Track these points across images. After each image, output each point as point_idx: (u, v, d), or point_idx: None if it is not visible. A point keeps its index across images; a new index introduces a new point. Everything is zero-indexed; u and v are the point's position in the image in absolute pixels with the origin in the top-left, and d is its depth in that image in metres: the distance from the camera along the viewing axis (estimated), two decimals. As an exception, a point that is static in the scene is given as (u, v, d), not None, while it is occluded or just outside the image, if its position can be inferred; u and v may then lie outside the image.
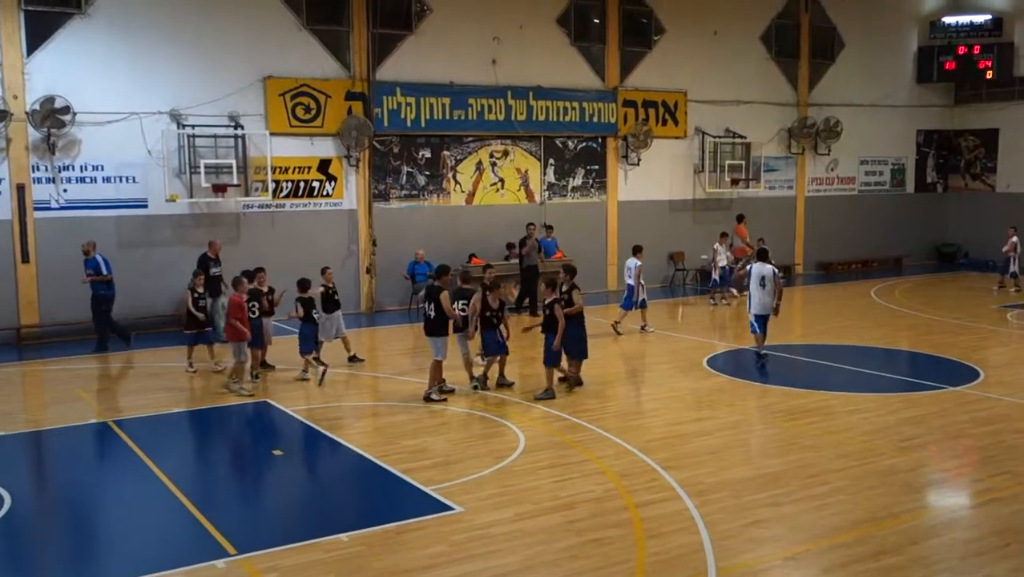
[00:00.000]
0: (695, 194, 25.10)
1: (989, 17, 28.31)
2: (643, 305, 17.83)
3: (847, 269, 27.77)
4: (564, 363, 13.19)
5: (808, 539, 7.77)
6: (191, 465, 10.38)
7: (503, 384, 13.39)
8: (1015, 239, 22.88)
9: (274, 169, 19.22)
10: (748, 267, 15.82)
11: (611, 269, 23.79)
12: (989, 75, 28.26)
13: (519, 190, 22.47)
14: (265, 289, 14.21)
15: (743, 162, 25.33)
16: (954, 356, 15.44)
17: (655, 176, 24.31)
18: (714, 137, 24.97)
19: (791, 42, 26.46)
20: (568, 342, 12.91)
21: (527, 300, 20.36)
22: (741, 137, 25.38)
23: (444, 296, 12.58)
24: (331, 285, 14.89)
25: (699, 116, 24.81)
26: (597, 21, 23.12)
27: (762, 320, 15.25)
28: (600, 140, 23.47)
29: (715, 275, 21.54)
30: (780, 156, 26.72)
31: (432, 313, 12.57)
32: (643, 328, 17.86)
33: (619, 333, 17.55)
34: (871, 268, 28.16)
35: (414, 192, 21.18)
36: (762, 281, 15.11)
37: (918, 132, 29.59)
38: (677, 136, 24.54)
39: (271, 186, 19.16)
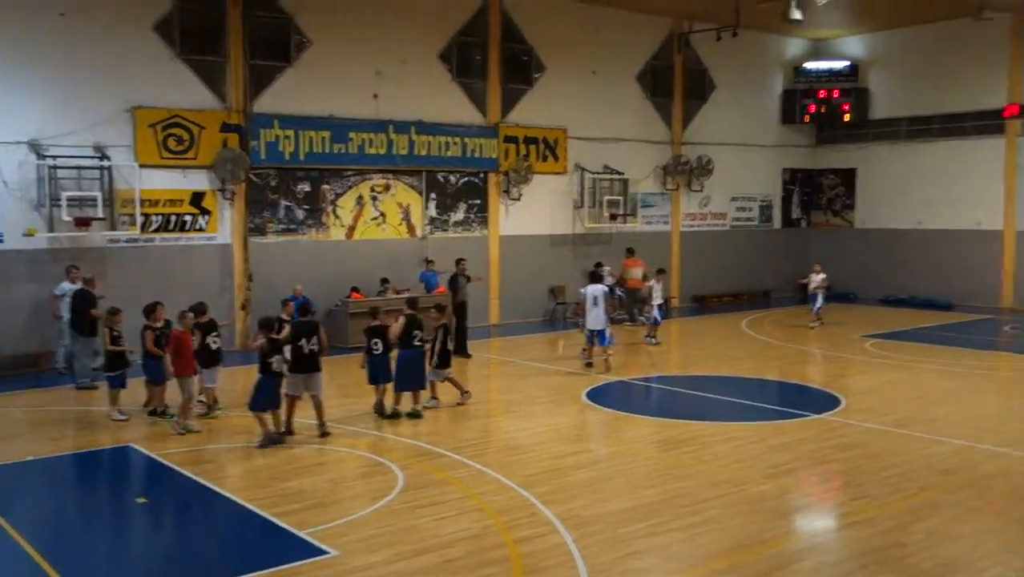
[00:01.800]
0: (575, 229, 25.39)
1: (847, 64, 29.81)
2: (656, 322, 20.45)
3: (720, 301, 28.52)
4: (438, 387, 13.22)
5: (682, 568, 7.78)
6: (45, 517, 9.58)
7: (392, 414, 13.37)
8: (823, 275, 23.39)
9: (143, 202, 18.42)
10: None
11: (493, 303, 23.78)
12: (847, 118, 29.72)
13: (400, 224, 22.27)
14: (160, 324, 13.49)
15: (621, 198, 25.79)
16: (818, 385, 15.95)
17: (536, 211, 24.50)
18: (593, 173, 25.36)
19: (666, 83, 27.20)
20: (400, 372, 13.28)
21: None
22: (619, 174, 25.87)
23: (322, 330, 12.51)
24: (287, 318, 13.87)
25: (579, 153, 25.18)
26: (479, 58, 23.26)
27: (597, 334, 17.25)
28: (482, 175, 23.52)
29: (655, 313, 20.59)
30: (656, 192, 27.35)
31: (313, 348, 12.33)
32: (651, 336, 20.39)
33: (657, 343, 20.17)
34: (742, 300, 28.99)
35: (292, 226, 20.72)
36: (595, 301, 17.15)
37: (784, 170, 30.80)
38: (557, 172, 24.82)
39: (140, 220, 18.36)
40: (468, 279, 19.32)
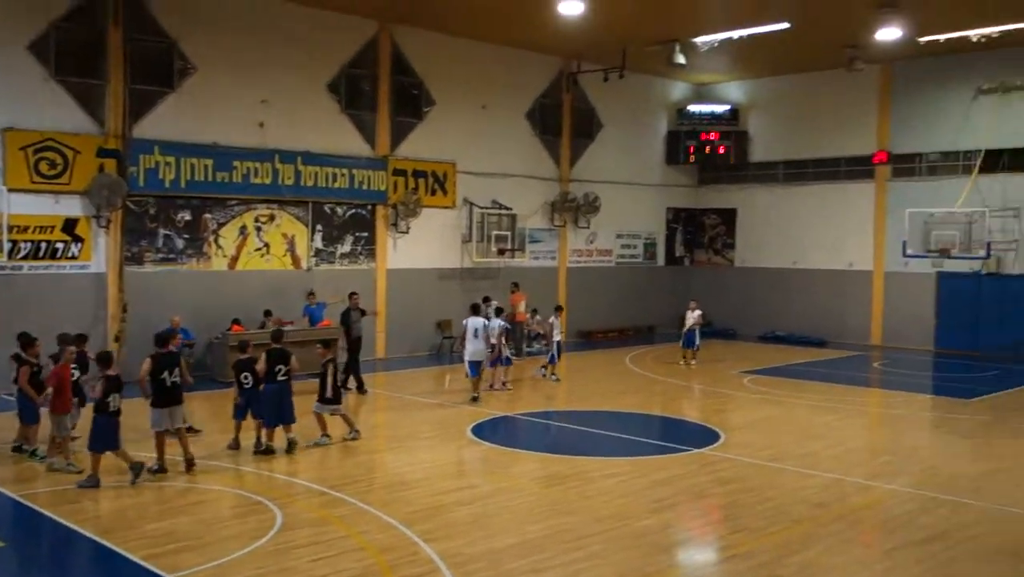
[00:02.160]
0: (463, 263, 25.43)
1: (728, 108, 30.95)
2: (553, 360, 20.40)
3: (606, 337, 28.95)
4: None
5: (565, 607, 7.77)
6: None
7: (265, 450, 13.11)
8: (699, 312, 23.45)
9: (11, 228, 17.56)
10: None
11: (380, 337, 23.54)
12: (729, 159, 30.81)
13: (285, 255, 21.87)
14: (36, 359, 12.69)
15: (509, 233, 25.98)
16: (699, 420, 16.33)
17: (424, 244, 24.45)
18: (482, 208, 25.50)
19: (554, 120, 27.66)
20: (266, 406, 13.16)
21: (350, 377, 18.64)
22: (507, 209, 26.08)
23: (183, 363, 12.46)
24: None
25: (467, 187, 25.29)
26: (368, 90, 23.18)
27: (474, 366, 17.66)
28: (370, 207, 23.35)
29: (553, 350, 20.46)
30: (544, 228, 27.68)
31: (176, 380, 12.09)
32: (547, 375, 20.48)
33: (557, 379, 20.12)
34: (627, 336, 29.50)
35: (171, 255, 20.10)
36: (475, 333, 17.65)
37: (668, 209, 31.64)
38: (446, 206, 24.85)
39: (7, 246, 17.45)
40: (363, 313, 19.13)
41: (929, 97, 26.93)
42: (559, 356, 20.65)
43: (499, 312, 20.73)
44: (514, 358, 23.68)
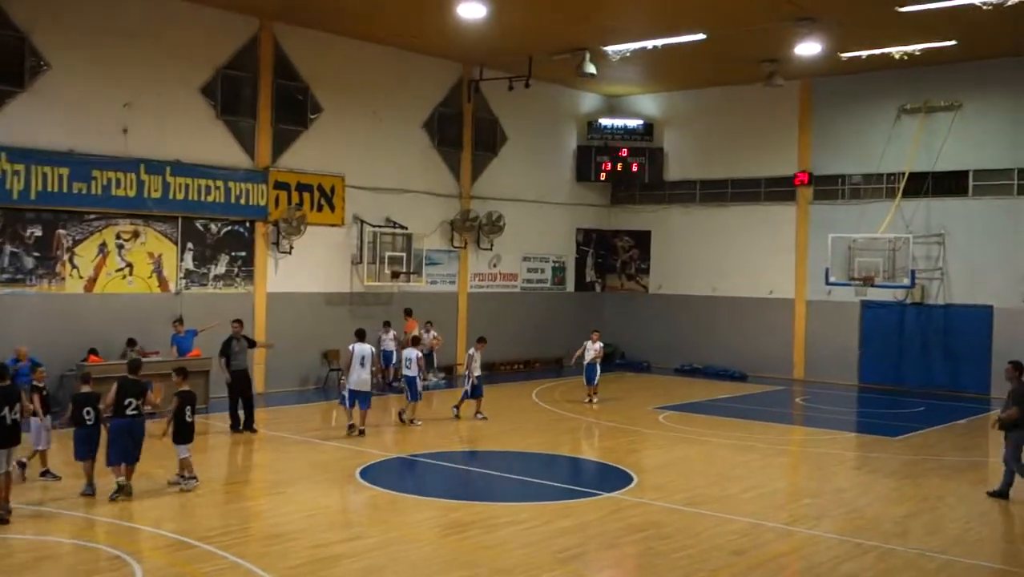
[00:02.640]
0: (353, 287, 25.29)
1: (641, 123, 31.67)
2: (477, 393, 20.18)
3: (510, 369, 29.09)
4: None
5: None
6: None
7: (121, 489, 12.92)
8: (600, 344, 23.04)
9: None
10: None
11: (259, 369, 23.13)
12: (643, 177, 31.49)
13: (151, 277, 21.40)
14: None
15: (404, 254, 25.95)
16: (611, 461, 16.52)
17: (309, 266, 24.24)
18: (374, 226, 25.43)
19: (454, 132, 27.84)
20: (111, 443, 13.02)
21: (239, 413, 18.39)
22: (402, 228, 26.07)
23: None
24: None
25: (358, 203, 25.22)
26: (247, 94, 22.93)
27: (360, 397, 17.89)
28: (248, 224, 23.06)
29: (467, 386, 20.29)
30: (443, 249, 27.75)
31: (15, 417, 11.80)
32: (477, 415, 20.14)
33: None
34: (533, 368, 29.71)
35: (19, 276, 19.43)
36: (362, 360, 17.93)
37: (578, 230, 32.09)
38: (334, 224, 24.72)
39: None
40: (252, 344, 18.92)
41: (851, 116, 28.06)
42: (479, 392, 20.27)
43: (416, 341, 20.69)
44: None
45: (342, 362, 19.31)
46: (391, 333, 24.70)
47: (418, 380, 19.42)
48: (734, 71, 27.73)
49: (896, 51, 24.11)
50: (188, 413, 13.56)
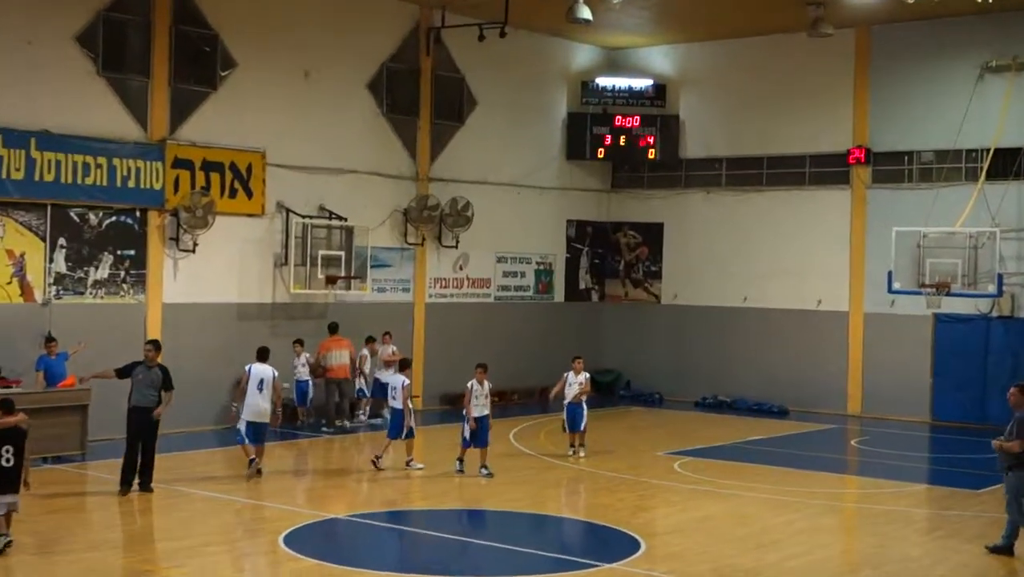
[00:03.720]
0: (276, 296, 25.20)
1: (651, 84, 31.70)
2: (411, 434, 19.75)
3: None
4: None
5: None
6: None
7: None
8: (585, 375, 22.19)
9: None
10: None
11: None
12: (652, 155, 31.48)
13: (10, 283, 21.23)
14: None
15: (343, 253, 25.81)
16: (611, 522, 16.42)
17: (219, 269, 24.13)
18: (304, 217, 25.31)
19: (409, 94, 27.77)
20: None
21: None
22: (340, 219, 25.93)
23: None
24: None
25: (283, 187, 25.11)
26: (137, 44, 22.77)
27: (256, 429, 18.44)
28: (139, 214, 22.94)
29: (465, 430, 19.72)
30: (394, 247, 27.65)
31: None
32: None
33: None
34: (511, 401, 29.57)
35: None
36: (260, 384, 18.48)
37: (569, 223, 32.09)
38: (251, 213, 24.63)
39: None
40: (168, 380, 17.87)
41: (920, 76, 28.17)
42: (483, 439, 19.75)
43: (405, 365, 20.76)
44: (327, 431, 24.32)
45: (239, 387, 19.51)
46: (303, 357, 24.67)
47: (407, 415, 19.60)
48: (770, 16, 27.79)
49: (977, -9, 24.22)
50: (6, 455, 13.47)
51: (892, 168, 28.69)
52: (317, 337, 24.95)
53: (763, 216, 30.43)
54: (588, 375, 22.41)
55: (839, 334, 29.22)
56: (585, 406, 21.96)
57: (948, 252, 26.03)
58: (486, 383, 19.77)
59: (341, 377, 24.72)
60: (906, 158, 28.49)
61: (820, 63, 29.09)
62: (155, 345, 18.37)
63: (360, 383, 25.56)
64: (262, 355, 19.18)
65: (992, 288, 25.79)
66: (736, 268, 30.72)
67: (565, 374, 22.25)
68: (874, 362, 28.73)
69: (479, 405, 19.53)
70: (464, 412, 19.71)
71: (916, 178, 28.31)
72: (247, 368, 18.98)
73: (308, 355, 24.71)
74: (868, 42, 28.78)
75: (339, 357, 24.74)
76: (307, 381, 24.76)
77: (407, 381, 19.97)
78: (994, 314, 27.01)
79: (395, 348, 25.71)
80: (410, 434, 19.93)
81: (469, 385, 19.73)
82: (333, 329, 25.08)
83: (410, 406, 20.00)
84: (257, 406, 18.60)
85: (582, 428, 21.90)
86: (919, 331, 27.94)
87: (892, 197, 28.40)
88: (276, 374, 19.17)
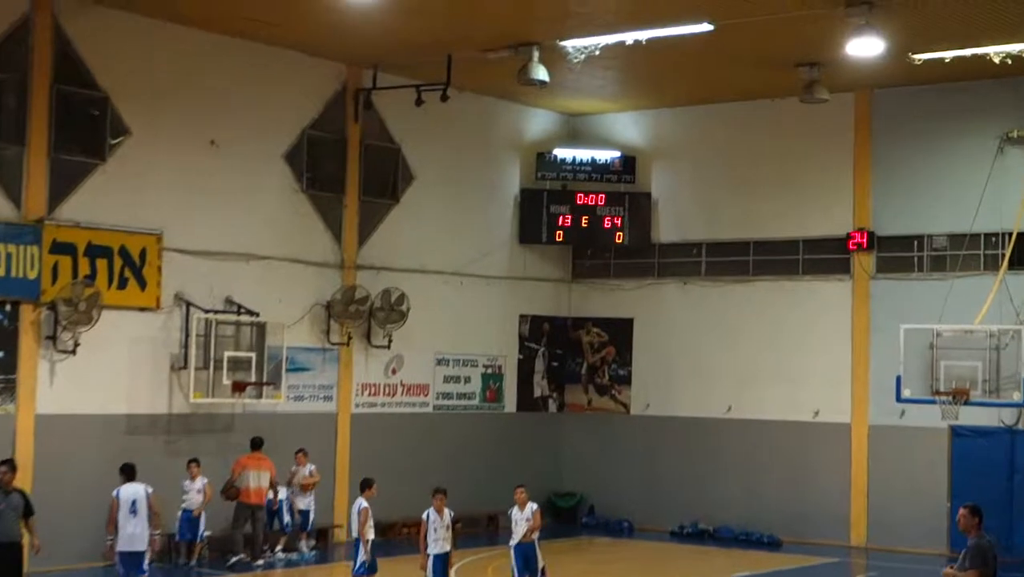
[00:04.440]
0: (173, 406, 25.06)
1: (618, 155, 32.00)
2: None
3: (417, 532, 28.60)
4: None
5: None
6: None
7: None
8: (534, 506, 21.01)
9: None
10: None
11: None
12: (619, 238, 31.71)
13: None
14: None
15: (253, 355, 25.74)
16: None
17: (104, 373, 23.98)
18: (207, 312, 25.26)
19: (333, 167, 27.93)
20: None
21: None
22: (251, 314, 25.90)
23: None
24: None
25: (182, 276, 25.10)
26: (12, 105, 22.75)
27: (132, 561, 18.54)
28: (9, 308, 22.82)
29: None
30: (314, 348, 27.58)
31: None
32: None
33: None
34: (455, 532, 29.17)
35: None
36: (133, 506, 18.60)
37: (522, 319, 32.20)
38: (145, 307, 24.58)
39: None
40: (29, 507, 17.88)
41: (930, 148, 28.55)
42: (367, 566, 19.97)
43: (366, 486, 20.39)
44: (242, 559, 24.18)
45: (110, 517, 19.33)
46: (200, 482, 24.07)
47: (362, 546, 19.60)
48: (756, 78, 28.18)
49: (995, 51, 24.54)
50: None
51: (899, 255, 28.98)
52: (220, 456, 24.74)
53: (750, 311, 30.61)
54: (536, 506, 21.28)
55: (840, 450, 29.25)
56: (538, 544, 20.88)
57: (966, 354, 26.22)
58: (447, 513, 19.50)
59: (256, 503, 24.44)
60: (915, 243, 28.81)
61: (815, 133, 29.50)
62: (10, 465, 18.10)
63: (286, 511, 25.46)
64: (128, 473, 19.23)
65: (1017, 396, 25.89)
66: (718, 372, 30.81)
67: (510, 511, 21.44)
68: (881, 483, 28.74)
69: (438, 540, 19.35)
70: (368, 538, 19.69)
71: (927, 267, 28.60)
72: (115, 493, 19.00)
73: (206, 480, 24.09)
74: (869, 109, 29.21)
75: (258, 479, 24.43)
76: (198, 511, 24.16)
77: (363, 504, 19.78)
78: (1020, 426, 27.14)
79: (314, 468, 25.58)
80: (371, 569, 19.83)
81: (425, 516, 19.55)
82: (256, 445, 24.84)
83: (367, 536, 19.74)
84: (131, 533, 18.63)
85: (540, 572, 20.84)
86: (933, 446, 28.03)
87: (900, 289, 28.65)
88: (151, 490, 19.19)
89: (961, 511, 15.09)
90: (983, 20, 23.25)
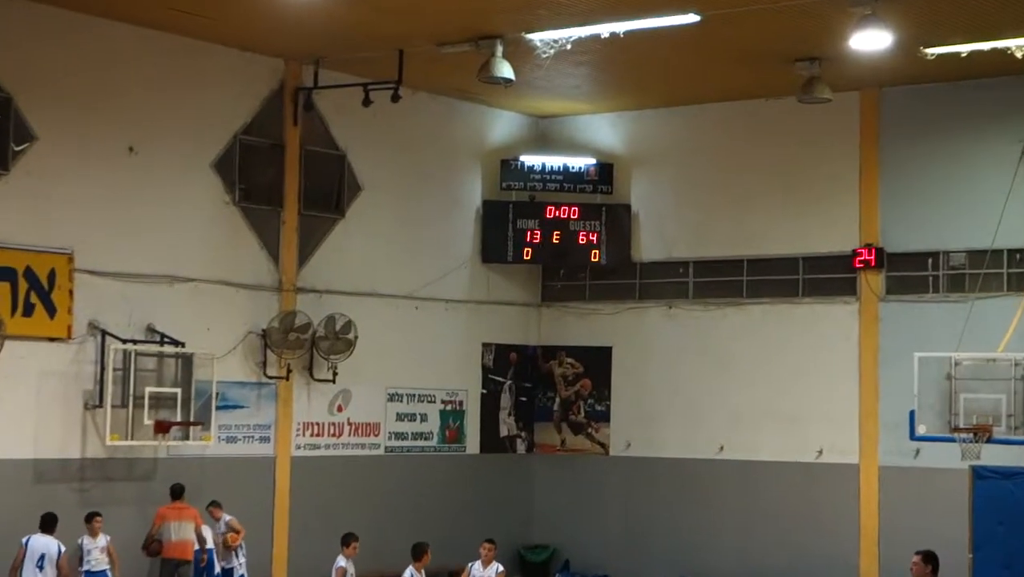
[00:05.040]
0: (87, 449, 24.81)
1: (593, 162, 31.95)
2: None
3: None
4: None
5: None
6: None
7: None
8: (495, 569, 21.84)
9: None
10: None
11: None
12: (595, 256, 31.65)
13: None
14: None
15: (178, 391, 25.51)
16: None
17: (8, 413, 23.75)
18: (125, 343, 25.06)
19: (268, 177, 27.75)
20: None
21: None
22: (176, 344, 25.69)
23: None
24: None
25: (97, 301, 24.90)
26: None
27: None
28: None
29: None
30: (248, 382, 27.41)
31: None
32: None
33: None
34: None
35: None
36: (40, 561, 19.14)
37: (485, 348, 32.10)
38: (54, 337, 24.39)
39: None
40: None
41: (946, 153, 28.59)
42: None
43: (346, 541, 20.83)
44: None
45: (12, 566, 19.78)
46: (103, 539, 23.53)
47: None
48: (749, 75, 28.20)
49: (1017, 45, 24.60)
50: None
51: (911, 274, 28.97)
52: (140, 506, 24.55)
53: (744, 338, 30.56)
54: (501, 568, 21.98)
55: (847, 495, 29.17)
56: None
57: (988, 385, 26.15)
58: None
59: (180, 558, 24.30)
60: (929, 261, 28.82)
61: (816, 136, 29.52)
62: None
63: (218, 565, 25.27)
64: (47, 524, 19.47)
65: (1045, 433, 26.05)
66: (709, 408, 30.76)
67: (470, 566, 21.95)
68: (894, 532, 28.53)
69: None
70: None
71: (943, 287, 28.61)
72: (23, 541, 19.46)
73: (108, 537, 23.54)
74: (877, 109, 29.20)
75: (180, 531, 24.27)
76: (104, 572, 23.47)
77: (340, 563, 20.29)
78: (1049, 466, 27.21)
79: (231, 519, 25.21)
80: None
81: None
82: (176, 493, 24.65)
83: None
84: None
85: None
86: (952, 490, 27.98)
87: (913, 313, 28.65)
88: (63, 549, 19.69)
89: (915, 558, 15.15)
90: (1003, 9, 23.24)
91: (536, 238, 31.60)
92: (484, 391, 32.15)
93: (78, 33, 24.61)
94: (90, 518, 23.47)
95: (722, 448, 30.57)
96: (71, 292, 24.51)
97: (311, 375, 28.34)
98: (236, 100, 27.21)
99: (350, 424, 29.30)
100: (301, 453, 28.31)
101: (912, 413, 26.21)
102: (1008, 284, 27.71)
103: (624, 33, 23.89)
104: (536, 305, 33.05)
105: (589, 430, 32.49)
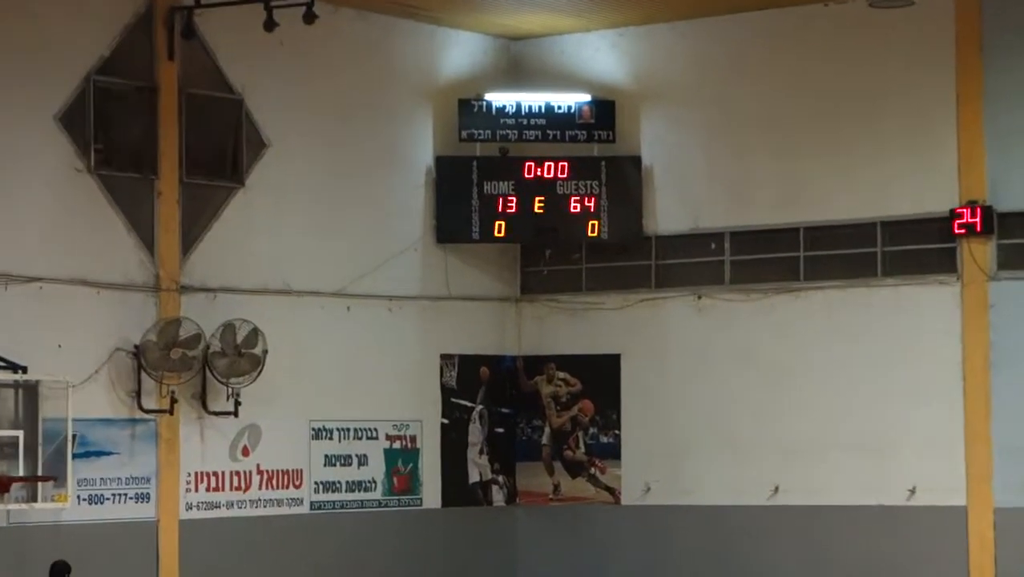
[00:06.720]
0: None
1: (587, 99, 31.83)
2: None
3: None
4: None
5: None
6: None
7: None
8: None
9: None
10: None
11: None
12: (593, 230, 31.59)
13: None
14: None
15: (20, 434, 25.45)
16: None
17: None
18: (-58, 369, 25.05)
19: (137, 133, 27.60)
20: None
21: None
22: (15, 369, 25.60)
23: None
24: None
25: None
26: None
27: None
28: None
29: None
30: (118, 419, 27.30)
31: None
32: None
33: None
34: None
35: None
36: None
37: (445, 361, 32.06)
38: None
39: None
40: None
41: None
42: None
43: None
44: None
45: None
46: None
47: None
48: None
49: None
50: None
51: (1031, 240, 29.12)
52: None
53: (802, 337, 30.61)
54: None
55: (951, 546, 29.24)
56: None
57: None
58: None
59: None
60: (1058, 223, 28.92)
61: (895, 56, 29.50)
62: None
63: None
64: None
65: None
66: (757, 436, 30.84)
67: None
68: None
69: None
70: None
71: (1078, 260, 28.74)
72: None
73: None
74: (980, 14, 29.12)
75: None
76: None
77: None
78: None
79: None
80: None
81: None
82: (59, 574, 24.51)
83: None
84: None
85: None
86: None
87: (1034, 293, 28.80)
88: None
89: None
90: None
91: (511, 207, 31.48)
92: (445, 421, 32.05)
93: None
94: None
95: (776, 490, 30.61)
96: None
97: (204, 407, 28.19)
98: (89, 28, 27.01)
99: (260, 473, 29.14)
100: (193, 515, 28.18)
101: (1037, 435, 26.40)
102: None
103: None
104: (514, 300, 33.00)
105: (592, 471, 32.44)
